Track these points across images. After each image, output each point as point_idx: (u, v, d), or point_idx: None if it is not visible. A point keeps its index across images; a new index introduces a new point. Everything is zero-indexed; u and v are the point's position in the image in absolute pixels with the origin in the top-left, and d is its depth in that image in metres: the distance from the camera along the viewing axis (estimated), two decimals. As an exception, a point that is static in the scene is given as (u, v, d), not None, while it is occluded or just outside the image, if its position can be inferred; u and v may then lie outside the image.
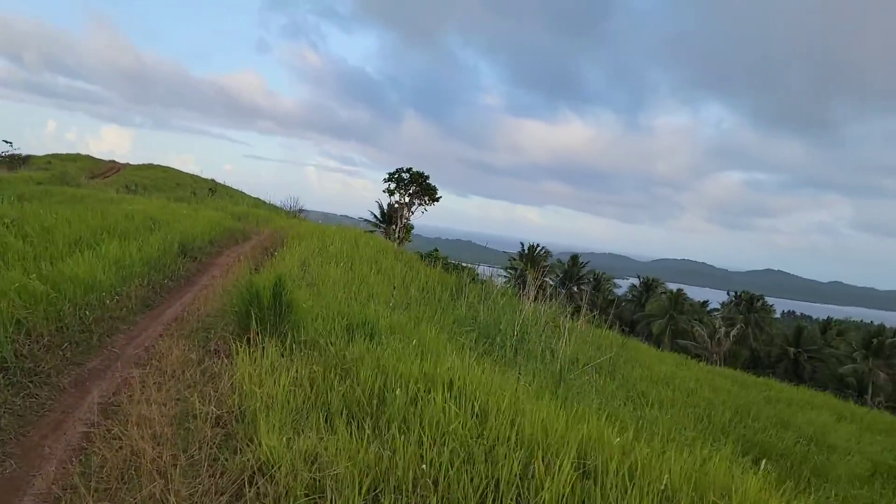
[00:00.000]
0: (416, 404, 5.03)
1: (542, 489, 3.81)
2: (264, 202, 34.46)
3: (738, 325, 58.44)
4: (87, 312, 7.10)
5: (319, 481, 3.70)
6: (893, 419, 16.29)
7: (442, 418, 4.71)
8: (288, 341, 6.38)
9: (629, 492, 3.94)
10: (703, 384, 13.10)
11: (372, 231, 48.71)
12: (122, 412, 4.90)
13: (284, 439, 4.18)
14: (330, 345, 6.57)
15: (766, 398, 13.50)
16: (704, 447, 7.01)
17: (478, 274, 16.45)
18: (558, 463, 4.05)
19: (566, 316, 14.15)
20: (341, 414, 4.90)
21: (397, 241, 27.25)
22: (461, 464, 3.97)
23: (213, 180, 46.60)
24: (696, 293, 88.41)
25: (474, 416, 4.98)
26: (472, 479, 3.81)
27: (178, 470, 3.92)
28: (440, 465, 3.90)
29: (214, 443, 4.35)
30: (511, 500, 3.79)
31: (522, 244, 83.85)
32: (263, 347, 6.16)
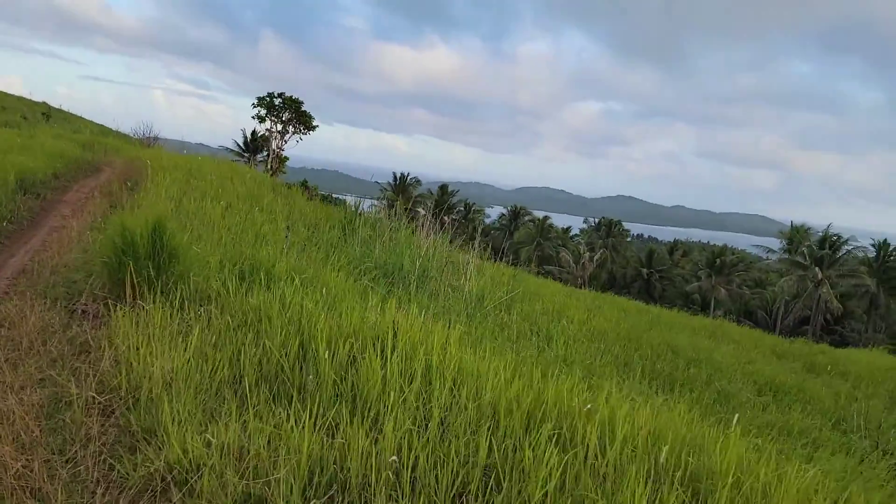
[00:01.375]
0: (350, 369, 4.26)
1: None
2: (111, 130, 30.95)
3: (601, 251, 61.69)
4: None
5: (255, 490, 2.88)
6: (747, 331, 17.57)
7: (388, 388, 3.99)
8: (177, 297, 5.31)
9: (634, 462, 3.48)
10: (593, 313, 13.25)
11: (236, 161, 45.62)
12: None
13: (199, 432, 3.29)
14: (229, 296, 5.57)
15: (649, 323, 13.96)
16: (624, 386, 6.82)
17: (363, 207, 15.53)
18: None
19: (457, 249, 13.71)
20: (260, 387, 4.03)
21: (270, 172, 25.41)
22: (429, 449, 3.28)
23: (45, 104, 41.23)
24: (557, 220, 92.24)
25: (421, 381, 4.29)
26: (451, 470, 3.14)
27: (57, 486, 2.93)
28: (407, 456, 3.19)
29: (103, 442, 3.37)
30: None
31: (394, 174, 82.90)
32: (146, 308, 5.07)
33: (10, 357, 4.32)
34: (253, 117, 27.20)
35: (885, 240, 56.66)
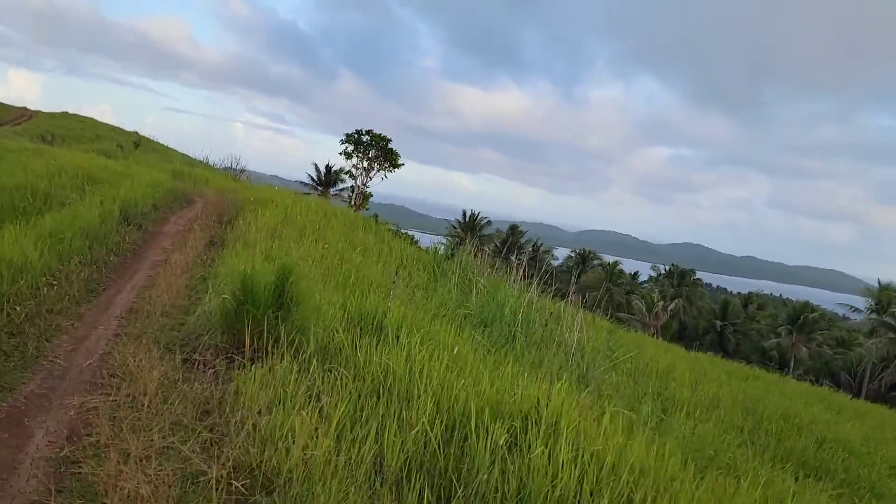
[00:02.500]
0: (510, 456, 3.64)
1: None
2: (199, 160, 31.74)
3: (677, 300, 59.55)
4: (18, 308, 5.31)
5: None
6: (864, 405, 16.06)
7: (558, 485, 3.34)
8: (301, 352, 4.84)
9: None
10: (697, 374, 12.25)
11: (309, 193, 46.28)
12: (84, 479, 3.29)
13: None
14: (354, 353, 5.06)
15: (763, 389, 12.82)
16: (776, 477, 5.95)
17: (455, 249, 15.08)
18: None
19: (553, 296, 13.01)
20: (411, 476, 3.45)
21: (354, 208, 25.37)
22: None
23: (136, 133, 43.01)
24: (622, 265, 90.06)
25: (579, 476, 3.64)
26: None
27: None
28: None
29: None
30: None
31: (463, 211, 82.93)
32: (270, 365, 4.61)
33: (130, 418, 3.89)
34: (340, 153, 27.32)
35: None
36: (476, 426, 3.86)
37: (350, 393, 4.27)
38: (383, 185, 27.98)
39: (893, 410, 16.49)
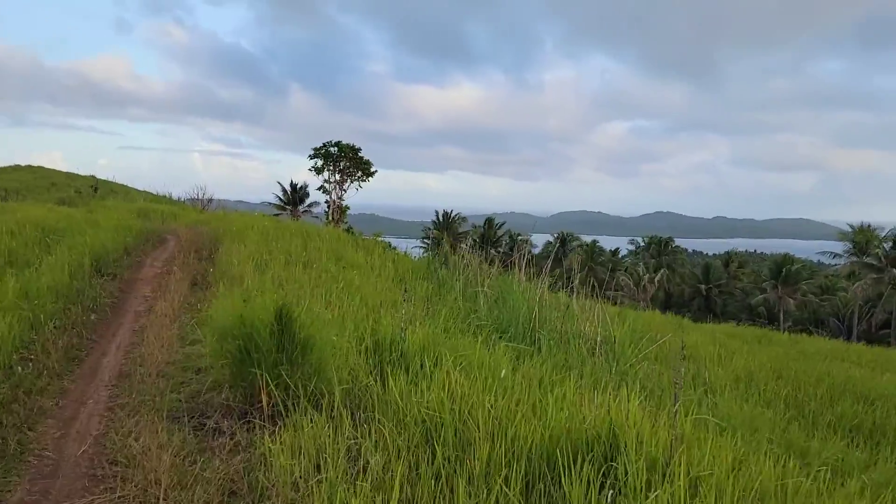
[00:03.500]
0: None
1: None
2: (162, 196, 30.71)
3: (662, 271, 59.63)
4: (-10, 396, 4.58)
5: None
6: (884, 352, 15.78)
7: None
8: (331, 401, 4.18)
9: None
10: (720, 348, 11.78)
11: (278, 214, 45.30)
12: None
13: None
14: (384, 392, 4.42)
15: (784, 353, 12.41)
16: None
17: (446, 254, 14.45)
18: None
19: (558, 287, 12.45)
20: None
21: (332, 223, 24.58)
22: None
23: (93, 177, 41.64)
24: (599, 242, 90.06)
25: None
26: None
27: None
28: None
29: None
30: None
31: (436, 212, 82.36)
32: (294, 422, 3.95)
33: (144, 517, 3.21)
34: (310, 169, 26.45)
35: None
36: (558, 468, 3.26)
37: (398, 447, 3.63)
38: (353, 197, 27.36)
39: None
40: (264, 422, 4.20)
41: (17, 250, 8.96)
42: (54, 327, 6.45)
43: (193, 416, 4.54)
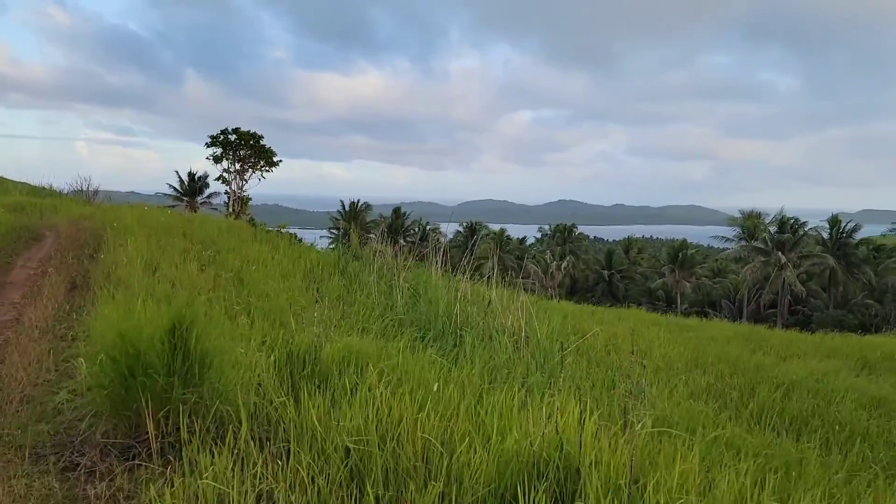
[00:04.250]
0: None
1: None
2: (43, 188, 28.09)
3: (568, 258, 60.97)
4: None
5: None
6: (780, 335, 16.44)
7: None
8: (236, 429, 3.51)
9: None
10: (637, 337, 11.75)
11: (173, 206, 42.78)
12: None
13: None
14: (313, 421, 3.76)
15: (697, 338, 12.57)
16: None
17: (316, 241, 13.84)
18: None
19: (470, 278, 12.06)
20: None
21: (233, 215, 23.15)
22: None
23: (-36, 167, 37.80)
24: (506, 231, 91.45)
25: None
26: None
27: None
28: None
29: None
30: None
31: (342, 202, 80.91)
32: (189, 458, 3.25)
33: None
34: (207, 158, 24.74)
35: (837, 217, 57.72)
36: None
37: (319, 488, 3.02)
38: (255, 187, 25.96)
39: (804, 333, 17.01)
40: (153, 460, 3.48)
41: None
42: None
43: (63, 454, 3.73)
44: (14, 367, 5.14)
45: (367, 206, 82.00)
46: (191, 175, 51.27)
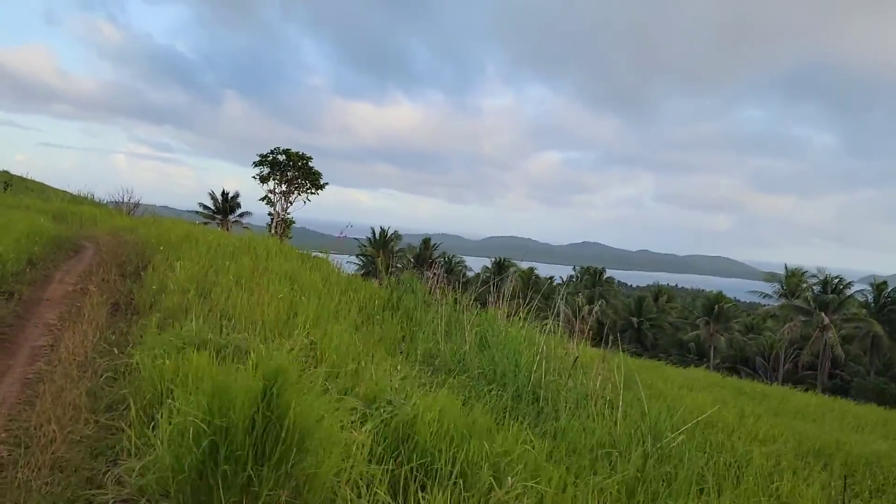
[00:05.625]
0: None
1: None
2: (83, 197, 27.76)
3: (600, 302, 59.43)
4: None
5: None
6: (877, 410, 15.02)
7: None
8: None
9: None
10: (728, 407, 10.51)
11: (206, 223, 42.41)
12: None
13: None
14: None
15: (776, 408, 11.31)
16: None
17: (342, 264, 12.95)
18: None
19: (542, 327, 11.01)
20: None
21: (277, 237, 22.40)
22: None
23: (7, 172, 37.83)
24: (526, 267, 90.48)
25: None
26: None
27: None
28: None
29: None
30: None
31: (372, 229, 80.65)
32: None
33: None
34: (254, 177, 24.01)
35: (885, 281, 55.65)
36: None
37: None
38: (297, 209, 25.17)
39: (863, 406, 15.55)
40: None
41: None
42: None
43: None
44: (46, 415, 4.20)
45: (397, 236, 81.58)
46: (224, 194, 51.18)
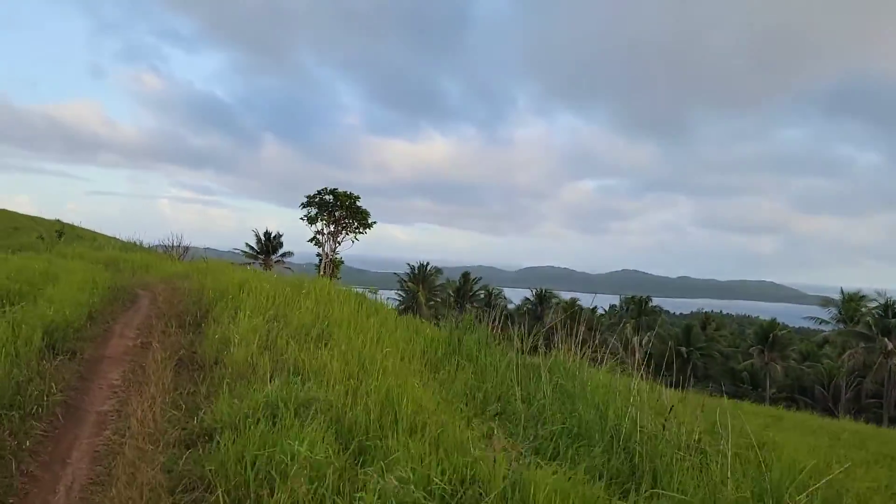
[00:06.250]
0: None
1: None
2: (133, 243, 28.11)
3: (650, 333, 57.87)
4: None
5: None
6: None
7: None
8: None
9: None
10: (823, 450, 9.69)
11: (249, 264, 42.74)
12: None
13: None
14: None
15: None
16: None
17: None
18: None
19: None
20: None
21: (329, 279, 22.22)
22: None
23: (59, 221, 38.79)
24: (566, 297, 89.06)
25: None
26: None
27: None
28: None
29: None
30: None
31: (409, 265, 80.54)
32: None
33: None
34: (302, 218, 23.96)
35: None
36: None
37: None
38: (345, 248, 25.00)
39: None
40: None
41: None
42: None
43: None
44: (122, 499, 3.82)
45: (437, 271, 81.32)
46: (266, 234, 51.76)
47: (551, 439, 6.73)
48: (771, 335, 57.39)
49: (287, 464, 3.80)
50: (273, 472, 3.79)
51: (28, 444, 4.78)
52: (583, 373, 9.03)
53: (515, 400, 7.85)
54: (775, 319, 62.60)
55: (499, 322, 12.03)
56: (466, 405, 7.54)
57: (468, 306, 72.16)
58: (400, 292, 75.75)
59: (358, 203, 23.79)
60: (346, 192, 23.34)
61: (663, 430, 7.24)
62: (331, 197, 23.35)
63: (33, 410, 5.27)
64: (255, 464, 3.91)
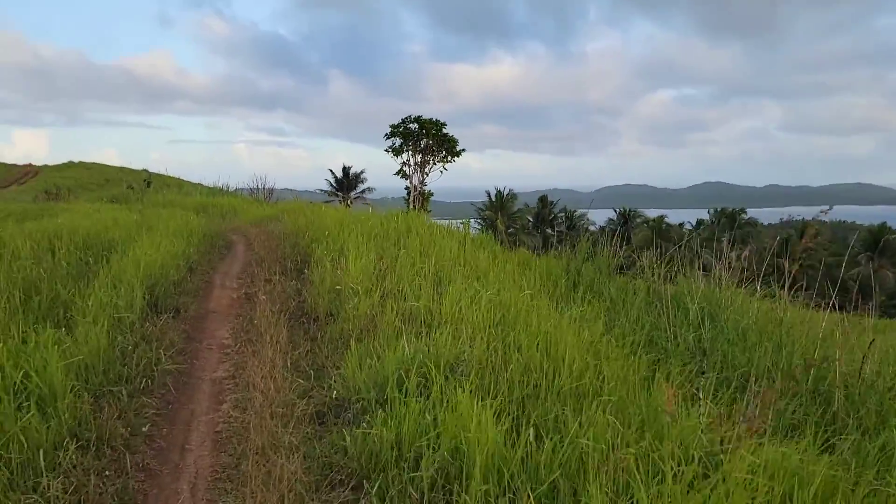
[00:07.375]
0: None
1: None
2: (219, 188, 28.14)
3: (749, 247, 54.98)
4: None
5: None
6: None
7: None
8: None
9: None
10: None
11: (329, 201, 42.60)
12: None
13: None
14: None
15: None
16: None
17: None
18: None
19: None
20: None
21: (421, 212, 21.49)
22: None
23: (146, 171, 39.60)
24: (651, 215, 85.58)
25: None
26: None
27: None
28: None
29: None
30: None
31: (487, 192, 79.04)
32: None
33: None
34: (386, 150, 22.98)
35: None
36: None
37: None
38: (393, 179, 23.69)
39: None
40: None
41: (44, 289, 6.09)
42: (78, 447, 3.49)
43: None
44: (254, 498, 3.06)
45: (513, 196, 79.59)
46: (345, 171, 51.42)
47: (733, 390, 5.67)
48: (882, 241, 53.25)
49: (464, 457, 2.93)
50: (449, 469, 2.93)
51: (138, 423, 4.13)
52: (737, 303, 7.80)
53: (667, 342, 6.79)
54: (885, 223, 58.00)
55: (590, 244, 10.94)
56: (635, 355, 6.46)
57: (549, 231, 70.64)
58: (480, 221, 74.90)
59: (444, 130, 22.46)
60: (431, 118, 21.96)
61: (861, 369, 6.04)
62: (415, 126, 22.03)
63: (142, 385, 4.62)
64: (417, 458, 3.06)
